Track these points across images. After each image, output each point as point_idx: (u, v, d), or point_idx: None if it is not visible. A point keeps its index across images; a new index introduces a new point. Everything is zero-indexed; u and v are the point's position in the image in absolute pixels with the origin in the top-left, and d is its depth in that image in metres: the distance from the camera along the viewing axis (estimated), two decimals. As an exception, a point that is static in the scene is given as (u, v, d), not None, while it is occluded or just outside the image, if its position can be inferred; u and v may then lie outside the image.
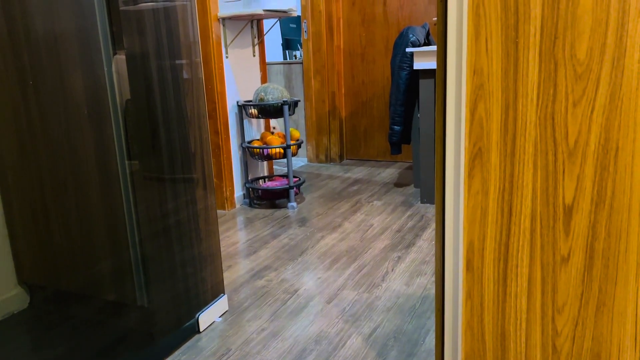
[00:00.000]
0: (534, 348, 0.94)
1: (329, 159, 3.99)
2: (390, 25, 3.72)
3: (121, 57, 1.28)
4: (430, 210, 2.69)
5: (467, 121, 0.89)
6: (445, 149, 0.93)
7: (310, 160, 4.06)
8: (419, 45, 2.77)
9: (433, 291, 1.77)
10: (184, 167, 1.48)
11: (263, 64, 3.08)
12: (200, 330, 1.57)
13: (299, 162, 4.10)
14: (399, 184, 3.27)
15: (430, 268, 1.96)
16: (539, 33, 0.81)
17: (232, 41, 2.79)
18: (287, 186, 2.81)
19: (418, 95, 2.90)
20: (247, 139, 2.98)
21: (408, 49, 2.61)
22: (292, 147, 2.80)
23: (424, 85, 2.61)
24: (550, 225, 0.87)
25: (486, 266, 0.94)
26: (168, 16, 1.37)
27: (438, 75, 0.92)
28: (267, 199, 2.96)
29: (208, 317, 1.60)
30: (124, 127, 1.31)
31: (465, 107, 0.88)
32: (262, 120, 3.14)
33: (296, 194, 2.92)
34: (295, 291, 1.82)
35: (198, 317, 1.56)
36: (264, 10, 2.56)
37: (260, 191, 2.91)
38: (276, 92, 2.73)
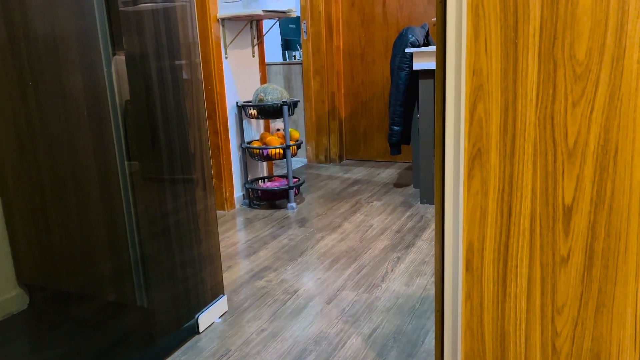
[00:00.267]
0: (533, 348, 0.94)
1: (328, 160, 3.99)
2: (390, 26, 3.72)
3: (120, 58, 1.28)
4: (430, 210, 2.69)
5: (466, 122, 0.89)
6: (444, 149, 0.93)
7: (309, 161, 4.06)
8: (419, 46, 2.78)
9: (433, 292, 1.77)
10: (184, 167, 1.48)
11: (262, 64, 3.08)
12: (200, 330, 1.57)
13: (298, 162, 4.10)
14: (398, 184, 3.27)
15: (430, 268, 1.96)
16: (538, 33, 0.81)
17: (231, 42, 2.79)
18: (287, 187, 2.81)
19: (417, 95, 2.91)
20: (246, 139, 2.98)
21: (407, 50, 2.61)
22: (291, 147, 2.80)
23: (424, 85, 2.61)
24: (549, 225, 0.87)
25: (486, 266, 0.94)
26: (167, 17, 1.37)
27: (437, 76, 0.92)
28: (266, 199, 2.96)
29: (208, 317, 1.60)
30: (123, 127, 1.31)
31: (465, 107, 0.88)
32: (261, 121, 3.14)
33: (296, 194, 2.92)
34: (295, 292, 1.82)
35: (198, 318, 1.56)
36: (264, 11, 2.56)
37: (259, 192, 2.91)
38: (276, 93, 2.73)
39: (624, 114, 0.79)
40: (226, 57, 2.76)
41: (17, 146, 1.54)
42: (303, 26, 3.78)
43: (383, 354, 1.41)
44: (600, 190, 0.82)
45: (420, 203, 2.81)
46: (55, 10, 1.30)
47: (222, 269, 2.04)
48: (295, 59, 4.25)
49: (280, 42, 4.36)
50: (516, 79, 0.84)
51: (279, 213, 2.77)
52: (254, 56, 3.00)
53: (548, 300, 0.90)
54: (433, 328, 1.53)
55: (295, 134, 2.93)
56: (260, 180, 3.03)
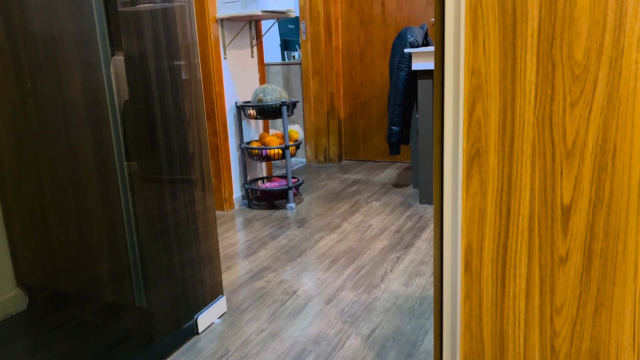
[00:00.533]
0: (532, 348, 0.94)
1: (327, 160, 3.99)
2: (389, 26, 3.72)
3: (119, 58, 1.28)
4: (429, 210, 2.69)
5: (465, 122, 0.89)
6: (443, 149, 0.93)
7: (309, 161, 4.06)
8: (417, 46, 2.78)
9: (432, 292, 1.77)
10: (183, 168, 1.48)
11: (261, 64, 3.08)
12: (199, 331, 1.57)
13: (297, 162, 4.10)
14: (397, 184, 3.27)
15: (429, 269, 1.96)
16: (536, 34, 0.81)
17: (230, 42, 2.79)
18: (286, 187, 2.81)
19: (416, 95, 2.91)
20: (245, 139, 2.98)
21: (406, 50, 2.61)
22: (290, 147, 2.80)
23: (423, 85, 2.61)
24: (548, 225, 0.87)
25: (484, 267, 0.94)
26: (166, 17, 1.37)
27: (436, 76, 0.93)
28: (265, 199, 2.96)
29: (207, 318, 1.60)
30: (122, 128, 1.31)
31: (463, 108, 0.89)
32: (260, 121, 3.14)
33: (295, 194, 2.92)
34: (294, 292, 1.82)
35: (197, 319, 1.56)
36: (262, 11, 2.56)
37: (259, 192, 2.91)
38: (275, 93, 2.73)
39: (622, 115, 0.79)
40: (225, 58, 2.76)
41: (16, 147, 1.54)
42: (302, 26, 3.78)
43: (382, 354, 1.41)
44: (599, 190, 0.82)
45: (420, 203, 2.81)
46: (54, 10, 1.30)
47: (221, 269, 2.04)
48: (294, 59, 4.25)
49: (279, 43, 4.36)
50: (515, 80, 0.84)
51: (278, 213, 2.77)
52: (252, 56, 3.00)
53: (547, 301, 0.90)
54: (432, 328, 1.53)
55: (295, 134, 2.93)
56: (259, 181, 3.03)
